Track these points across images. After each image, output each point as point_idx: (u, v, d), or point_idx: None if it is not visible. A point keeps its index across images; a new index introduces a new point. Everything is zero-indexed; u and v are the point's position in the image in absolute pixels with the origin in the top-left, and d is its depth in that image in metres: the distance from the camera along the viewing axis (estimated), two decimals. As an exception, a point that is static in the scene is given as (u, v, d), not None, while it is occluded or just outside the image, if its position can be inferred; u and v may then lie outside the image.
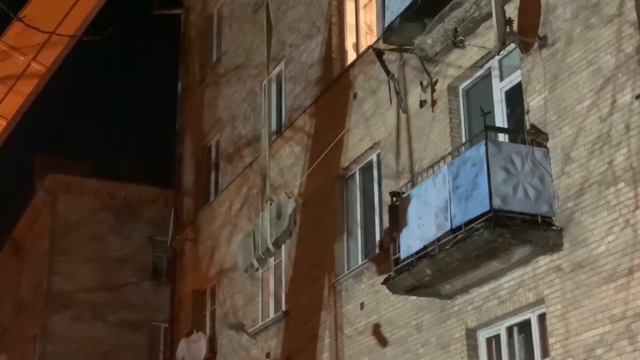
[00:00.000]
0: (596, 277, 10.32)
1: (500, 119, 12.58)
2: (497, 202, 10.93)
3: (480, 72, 13.13)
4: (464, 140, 12.98)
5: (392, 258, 12.84)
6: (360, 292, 14.83)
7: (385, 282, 13.00)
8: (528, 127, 11.58)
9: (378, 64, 14.18)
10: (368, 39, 16.66)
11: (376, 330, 14.09)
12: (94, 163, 34.70)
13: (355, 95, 15.92)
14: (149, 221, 32.81)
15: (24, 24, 13.13)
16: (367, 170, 15.72)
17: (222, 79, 22.24)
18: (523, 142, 11.36)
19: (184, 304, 22.28)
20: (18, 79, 14.59)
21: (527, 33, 11.86)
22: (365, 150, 15.48)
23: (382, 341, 13.96)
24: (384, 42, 13.99)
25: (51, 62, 14.79)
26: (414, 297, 13.15)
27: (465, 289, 12.27)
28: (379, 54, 13.96)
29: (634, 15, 10.32)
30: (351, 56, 16.96)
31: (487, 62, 12.88)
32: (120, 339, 31.63)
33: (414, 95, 14.00)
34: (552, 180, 11.14)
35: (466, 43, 12.78)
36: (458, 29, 12.73)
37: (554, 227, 10.95)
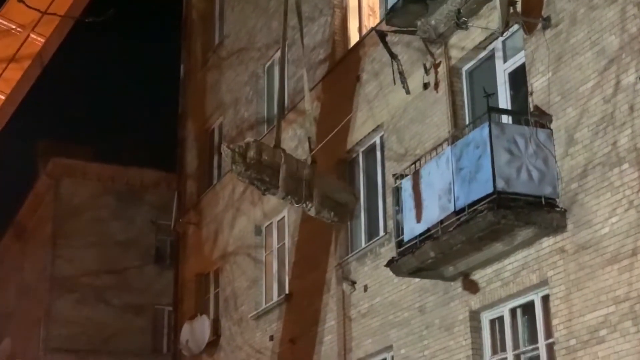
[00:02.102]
0: (600, 258, 10.30)
1: (504, 100, 12.54)
2: (500, 184, 10.90)
3: (483, 54, 13.08)
4: (467, 122, 12.95)
5: (396, 240, 12.84)
6: (364, 274, 14.83)
7: (388, 265, 12.99)
8: (532, 109, 11.54)
9: (381, 46, 14.12)
10: (371, 21, 16.59)
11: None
12: (97, 147, 34.66)
13: (358, 78, 15.87)
14: (152, 205, 32.83)
15: (17, 1, 13.06)
16: (370, 152, 15.69)
17: (224, 62, 22.18)
18: (527, 123, 11.32)
19: (188, 287, 22.31)
20: (17, 51, 14.52)
21: (530, 14, 11.80)
22: (369, 133, 15.45)
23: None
24: (387, 24, 13.92)
25: (49, 34, 14.68)
26: (417, 280, 13.15)
27: (468, 271, 12.26)
28: (382, 35, 13.89)
29: (638, -5, 10.26)
30: (354, 38, 16.90)
31: (490, 43, 12.83)
32: (124, 322, 31.70)
33: (417, 77, 13.95)
34: (556, 162, 11.11)
35: (469, 24, 12.73)
36: (461, 10, 12.67)
37: (558, 209, 10.93)
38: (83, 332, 31.19)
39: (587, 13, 10.97)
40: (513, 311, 11.90)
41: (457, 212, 11.50)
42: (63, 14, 14.58)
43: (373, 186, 15.42)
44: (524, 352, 11.77)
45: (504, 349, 12.00)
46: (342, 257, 15.64)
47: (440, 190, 11.87)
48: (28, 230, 36.11)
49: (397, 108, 14.54)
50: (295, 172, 13.33)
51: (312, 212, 13.58)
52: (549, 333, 11.19)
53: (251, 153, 13.01)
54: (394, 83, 14.04)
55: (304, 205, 13.45)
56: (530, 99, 11.70)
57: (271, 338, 17.78)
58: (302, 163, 13.65)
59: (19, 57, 14.75)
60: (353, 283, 15.03)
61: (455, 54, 13.32)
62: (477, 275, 12.17)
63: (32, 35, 14.77)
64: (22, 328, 34.57)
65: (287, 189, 13.18)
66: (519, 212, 10.88)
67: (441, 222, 11.79)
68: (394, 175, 13.26)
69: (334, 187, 14.00)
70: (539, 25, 11.64)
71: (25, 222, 36.33)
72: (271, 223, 18.82)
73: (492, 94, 12.21)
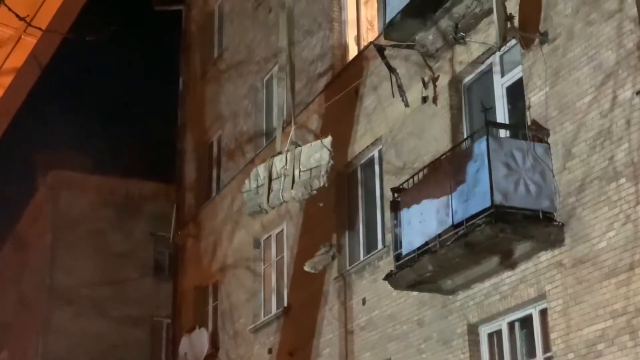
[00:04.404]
0: (597, 272, 10.34)
1: (502, 114, 12.60)
2: (498, 198, 10.95)
3: (481, 68, 13.15)
4: (465, 136, 13.00)
5: (394, 254, 12.88)
6: (362, 287, 14.86)
7: (387, 278, 13.03)
8: (529, 123, 11.59)
9: (379, 59, 14.19)
10: (369, 35, 16.66)
11: None
12: (96, 159, 34.67)
13: (356, 91, 15.92)
14: (150, 217, 32.81)
15: (4, 5, 13.03)
16: (368, 166, 15.74)
17: (223, 75, 22.25)
18: (524, 137, 11.38)
19: (186, 299, 22.32)
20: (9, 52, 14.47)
21: (527, 29, 11.87)
22: (367, 146, 15.50)
23: None
24: (385, 38, 13.99)
25: (40, 35, 14.59)
26: (415, 293, 13.18)
27: (466, 285, 12.30)
28: (380, 49, 13.96)
29: (634, 10, 10.33)
30: (352, 52, 16.97)
31: (488, 57, 12.90)
32: (122, 334, 31.65)
33: (416, 91, 14.01)
34: (554, 176, 11.16)
35: (467, 39, 12.80)
36: (459, 25, 12.74)
37: (555, 223, 10.98)
38: (81, 344, 31.12)
39: (584, 28, 11.04)
40: (511, 325, 11.93)
41: (455, 226, 11.54)
42: (50, 18, 14.55)
43: (371, 199, 15.46)
44: (522, 366, 11.81)
45: (502, 363, 12.03)
46: (340, 270, 15.66)
47: (438, 204, 11.91)
48: (27, 242, 36.08)
49: (395, 121, 14.59)
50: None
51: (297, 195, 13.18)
52: (547, 347, 11.22)
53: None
54: (393, 96, 14.10)
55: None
56: (527, 113, 11.76)
57: (270, 351, 17.79)
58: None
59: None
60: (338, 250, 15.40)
61: (453, 68, 13.38)
62: (475, 289, 12.21)
63: (24, 37, 14.69)
64: (20, 339, 34.52)
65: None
66: (517, 226, 10.93)
67: (439, 235, 11.84)
68: (392, 188, 13.30)
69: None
70: (537, 40, 11.72)
71: (24, 234, 36.31)
72: (270, 236, 18.85)
73: (489, 108, 12.29)
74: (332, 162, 12.36)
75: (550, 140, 11.32)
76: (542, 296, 11.15)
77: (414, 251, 12.29)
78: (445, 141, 13.20)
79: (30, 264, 35.07)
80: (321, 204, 15.11)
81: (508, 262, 11.54)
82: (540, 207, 11.05)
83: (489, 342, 12.25)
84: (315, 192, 12.35)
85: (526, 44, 11.88)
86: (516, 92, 12.36)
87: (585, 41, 10.99)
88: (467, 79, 13.41)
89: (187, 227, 22.75)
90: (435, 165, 12.45)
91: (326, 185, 12.20)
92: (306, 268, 15.78)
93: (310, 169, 12.49)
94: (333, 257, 15.80)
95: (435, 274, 12.15)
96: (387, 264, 13.78)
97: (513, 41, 12.16)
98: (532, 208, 11.05)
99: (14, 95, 15.45)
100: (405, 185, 13.00)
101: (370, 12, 16.92)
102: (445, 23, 12.96)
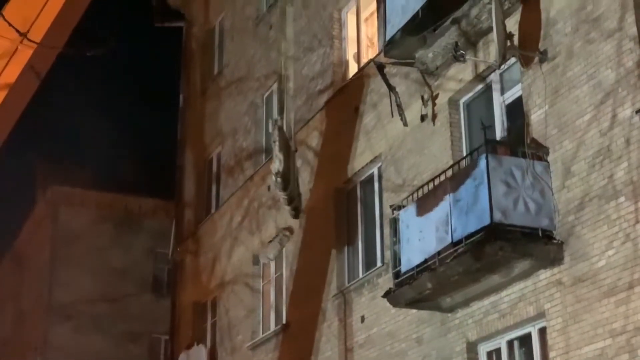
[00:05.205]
0: (596, 291, 10.32)
1: (501, 132, 12.61)
2: (497, 216, 10.94)
3: (481, 86, 13.17)
4: (464, 154, 13.00)
5: (393, 271, 12.86)
6: (361, 305, 14.83)
7: (386, 295, 13.00)
8: (528, 141, 11.60)
9: (379, 77, 14.21)
10: (369, 53, 16.70)
11: None
12: (95, 174, 34.66)
13: (356, 109, 15.95)
14: (149, 233, 32.81)
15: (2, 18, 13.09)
16: (368, 183, 15.74)
17: (223, 91, 22.29)
18: (524, 155, 11.38)
19: (185, 316, 22.27)
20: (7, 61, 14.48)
21: (527, 47, 11.90)
22: (367, 164, 15.50)
23: None
24: (385, 55, 14.02)
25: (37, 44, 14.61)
26: (414, 310, 13.15)
27: (465, 303, 12.27)
28: (380, 67, 13.99)
29: (634, 29, 10.35)
30: (352, 69, 17.00)
31: (487, 75, 12.92)
32: (120, 350, 31.59)
33: (415, 109, 14.03)
34: (553, 194, 11.15)
35: (467, 57, 12.82)
36: (459, 43, 12.77)
37: (555, 241, 10.97)
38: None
39: (583, 47, 11.06)
40: (510, 343, 11.90)
41: (454, 244, 11.53)
42: (47, 29, 14.58)
43: (371, 217, 15.45)
44: (521, 385, 11.77)
45: (501, 381, 11.99)
46: (339, 288, 15.64)
47: (437, 222, 11.91)
48: (26, 257, 36.06)
49: (395, 139, 14.60)
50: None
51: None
52: (546, 365, 11.19)
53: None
54: (392, 116, 14.13)
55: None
56: (527, 131, 11.77)
57: (268, 368, 17.74)
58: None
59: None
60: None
61: (453, 86, 13.41)
62: (474, 307, 12.18)
63: (20, 48, 14.70)
64: (18, 355, 34.41)
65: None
66: (516, 244, 10.91)
67: (438, 253, 11.82)
68: (391, 206, 13.30)
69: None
70: (536, 59, 11.74)
71: (23, 249, 36.30)
72: (269, 252, 18.82)
73: (489, 126, 12.29)
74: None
75: (549, 158, 11.33)
76: (541, 314, 11.12)
77: (413, 269, 12.28)
78: (445, 159, 13.20)
79: (29, 279, 35.03)
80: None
81: (507, 280, 11.51)
82: (539, 225, 11.04)
83: (488, 361, 12.21)
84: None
85: (526, 62, 11.90)
86: (516, 110, 12.37)
87: (585, 60, 11.01)
88: (467, 96, 13.43)
89: (186, 243, 22.73)
90: (434, 183, 12.44)
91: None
92: (261, 259, 16.20)
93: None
94: (281, 243, 16.17)
95: (435, 291, 12.13)
96: (386, 282, 13.75)
97: (513, 59, 12.18)
98: (532, 226, 11.04)
99: (12, 106, 15.42)
100: (404, 203, 12.99)
101: (370, 30, 16.96)
102: (445, 41, 12.99)
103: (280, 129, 14.61)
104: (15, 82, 14.84)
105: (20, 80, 14.94)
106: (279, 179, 14.19)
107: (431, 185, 12.47)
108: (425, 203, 12.34)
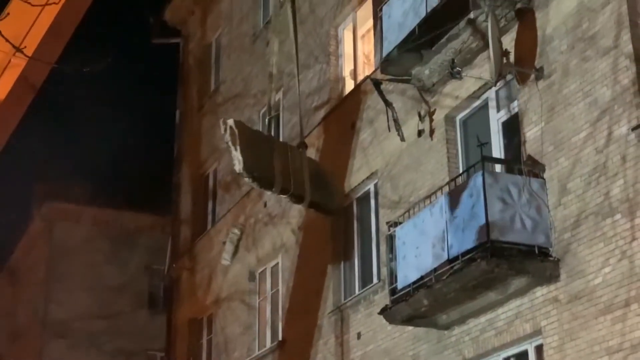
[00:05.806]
0: (593, 308, 10.31)
1: (497, 149, 12.62)
2: (494, 233, 10.94)
3: (477, 103, 13.19)
4: (461, 171, 13.01)
5: (389, 288, 12.83)
6: (358, 321, 14.80)
7: (382, 312, 12.98)
8: (525, 158, 11.62)
9: (376, 93, 14.25)
10: (366, 69, 16.73)
11: None
12: (91, 190, 34.63)
13: (353, 125, 15.96)
14: (145, 249, 32.74)
15: None
16: (364, 199, 15.74)
17: (220, 107, 22.30)
18: (520, 172, 11.40)
19: (180, 332, 22.20)
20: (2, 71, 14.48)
21: (523, 64, 11.93)
22: (363, 180, 15.51)
23: None
24: (382, 72, 14.06)
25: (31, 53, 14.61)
26: (410, 327, 13.12)
27: (462, 320, 12.25)
28: (377, 84, 14.02)
29: (629, 47, 10.39)
30: (349, 86, 17.03)
31: (484, 93, 12.95)
32: (116, 367, 31.47)
33: (412, 125, 14.05)
34: (549, 211, 11.16)
35: (463, 74, 12.85)
36: (455, 60, 12.80)
37: (551, 258, 10.96)
38: (74, 377, 30.95)
39: (579, 64, 11.09)
40: (507, 360, 11.88)
41: (450, 261, 11.52)
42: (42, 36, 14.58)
43: (367, 233, 15.44)
44: (517, 402, 11.73)
45: (497, 399, 11.95)
46: (336, 304, 15.61)
47: (434, 238, 11.90)
48: (21, 273, 35.96)
49: (391, 155, 14.61)
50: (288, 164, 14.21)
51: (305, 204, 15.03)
52: (542, 383, 11.15)
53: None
54: (389, 131, 14.14)
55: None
56: (523, 149, 11.78)
57: (264, 385, 17.68)
58: (295, 150, 14.32)
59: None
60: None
61: (449, 102, 13.43)
62: (470, 324, 12.16)
63: (13, 60, 14.71)
64: (13, 372, 34.29)
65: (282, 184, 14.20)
66: (513, 261, 10.91)
67: (435, 270, 11.80)
68: (387, 222, 13.29)
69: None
70: (532, 76, 11.77)
71: (18, 265, 36.20)
72: (265, 269, 18.80)
73: (485, 143, 12.30)
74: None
75: (545, 175, 11.34)
76: (537, 332, 11.10)
77: (409, 285, 12.26)
78: (442, 175, 13.21)
79: (24, 295, 34.91)
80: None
81: (504, 297, 11.50)
82: (535, 242, 11.04)
83: (485, 378, 12.17)
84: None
85: (522, 79, 11.93)
86: (512, 127, 12.39)
87: (581, 77, 11.04)
88: (463, 113, 13.45)
89: (182, 259, 22.68)
90: (430, 200, 12.44)
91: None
92: (223, 262, 16.31)
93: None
94: (233, 242, 16.21)
95: (431, 308, 12.11)
96: (383, 298, 13.73)
97: (509, 76, 12.21)
98: (528, 243, 11.03)
99: (7, 117, 15.40)
100: (400, 219, 12.98)
101: (367, 47, 17.00)
102: (441, 58, 13.03)
103: (237, 125, 14.83)
104: (9, 93, 14.85)
105: (15, 91, 14.94)
106: (249, 178, 14.54)
107: (427, 202, 12.47)
108: (421, 220, 12.32)
